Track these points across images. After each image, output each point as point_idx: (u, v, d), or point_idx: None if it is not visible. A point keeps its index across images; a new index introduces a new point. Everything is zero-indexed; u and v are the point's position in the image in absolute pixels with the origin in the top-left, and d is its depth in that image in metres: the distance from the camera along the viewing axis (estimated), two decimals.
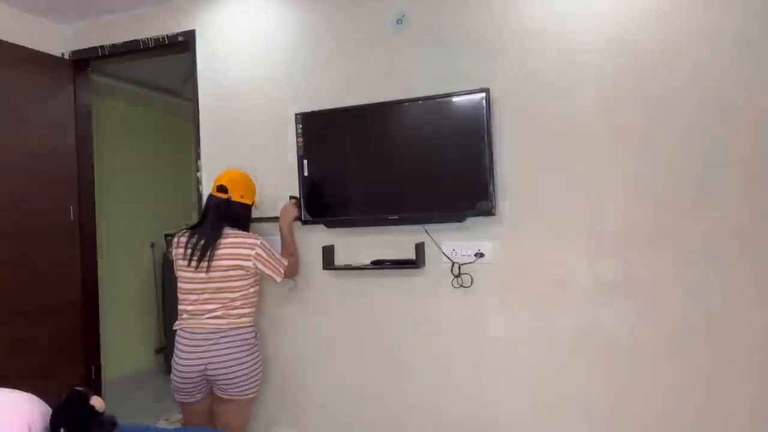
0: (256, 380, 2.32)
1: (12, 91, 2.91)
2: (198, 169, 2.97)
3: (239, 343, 2.26)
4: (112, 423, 1.81)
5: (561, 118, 2.28)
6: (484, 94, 2.28)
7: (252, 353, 2.30)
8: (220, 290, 2.26)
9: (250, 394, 2.31)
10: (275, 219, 2.70)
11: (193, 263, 2.25)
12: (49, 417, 1.73)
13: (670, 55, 2.14)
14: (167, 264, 4.59)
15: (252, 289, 2.34)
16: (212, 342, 2.23)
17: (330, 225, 2.63)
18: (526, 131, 2.33)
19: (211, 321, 2.25)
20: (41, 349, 2.93)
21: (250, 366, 2.28)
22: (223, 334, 2.24)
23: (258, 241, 2.31)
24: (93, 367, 3.27)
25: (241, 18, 2.86)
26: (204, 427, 2.37)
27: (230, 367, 2.23)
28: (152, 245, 4.81)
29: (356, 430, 2.65)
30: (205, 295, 2.26)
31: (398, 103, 2.44)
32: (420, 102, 2.41)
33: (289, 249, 2.55)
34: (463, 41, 2.42)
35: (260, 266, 2.30)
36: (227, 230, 2.31)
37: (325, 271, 2.65)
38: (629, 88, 2.19)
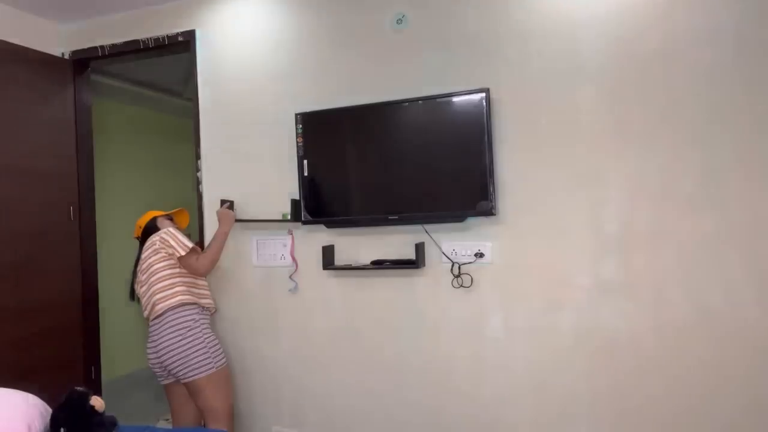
0: (198, 360, 2.36)
1: (12, 91, 2.91)
2: (198, 169, 2.97)
3: (164, 327, 2.37)
4: (112, 423, 1.82)
5: (561, 118, 2.28)
6: (484, 94, 2.29)
7: (185, 336, 2.36)
8: (142, 282, 2.51)
9: (198, 374, 2.36)
10: (276, 221, 2.70)
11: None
12: (49, 417, 1.73)
13: (670, 55, 2.14)
14: None
15: (165, 272, 2.44)
16: (154, 329, 2.42)
17: (330, 225, 2.63)
18: (526, 131, 2.33)
19: (149, 311, 2.45)
20: (41, 349, 2.93)
21: (185, 348, 2.35)
22: (152, 323, 2.44)
23: (159, 233, 2.51)
24: (93, 367, 3.27)
25: (241, 18, 2.86)
26: (203, 427, 2.37)
27: (163, 353, 2.37)
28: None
29: (356, 429, 2.65)
30: (139, 290, 2.54)
31: (398, 103, 2.44)
32: (420, 102, 2.41)
33: (212, 251, 2.55)
34: (463, 41, 2.42)
35: (162, 246, 2.45)
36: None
37: (325, 271, 2.65)
38: (629, 88, 2.19)
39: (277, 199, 2.71)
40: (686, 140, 2.12)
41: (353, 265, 2.60)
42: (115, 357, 4.19)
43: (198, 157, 2.97)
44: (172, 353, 2.36)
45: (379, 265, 2.52)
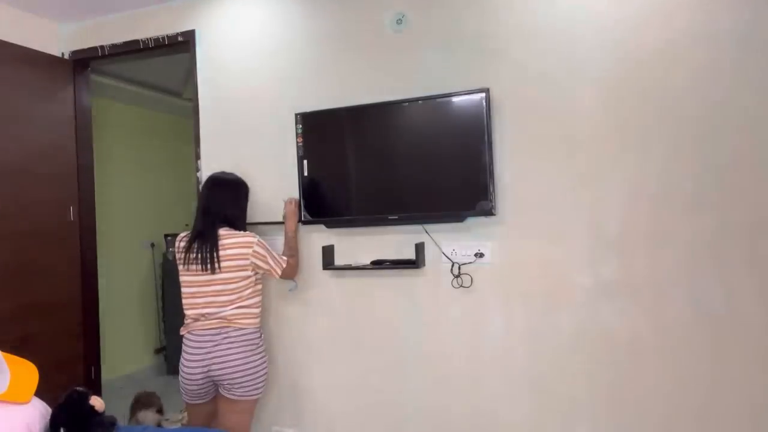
0: (260, 380, 2.31)
1: (12, 91, 2.91)
2: (198, 169, 2.97)
3: (242, 343, 2.26)
4: (112, 423, 1.81)
5: (561, 118, 2.28)
6: (484, 94, 2.28)
7: (256, 353, 2.30)
8: (220, 293, 2.27)
9: (255, 394, 2.31)
10: (275, 223, 2.70)
11: (193, 266, 2.27)
12: (48, 417, 1.73)
13: (670, 55, 2.14)
14: (167, 264, 4.60)
15: (251, 289, 2.34)
16: (215, 343, 2.25)
17: (330, 225, 2.63)
18: (526, 131, 2.33)
19: (213, 323, 2.27)
20: (41, 349, 2.92)
21: (255, 366, 2.28)
22: (225, 335, 2.25)
23: (255, 239, 2.33)
24: (93, 367, 3.27)
25: (241, 18, 2.86)
26: (204, 428, 2.37)
27: (234, 367, 2.23)
28: (152, 245, 4.81)
29: (356, 429, 2.65)
30: (208, 299, 2.27)
31: (398, 103, 2.44)
32: (420, 102, 2.41)
33: (292, 251, 2.56)
34: (463, 41, 2.42)
35: (259, 263, 2.32)
36: (223, 231, 2.31)
37: (325, 271, 2.65)
38: (629, 88, 2.19)
39: (278, 199, 2.70)
40: (686, 140, 2.12)
41: (353, 265, 2.59)
42: (115, 357, 4.19)
43: (198, 157, 2.97)
44: (244, 367, 2.25)
45: (379, 265, 2.52)
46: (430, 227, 2.47)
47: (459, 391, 2.46)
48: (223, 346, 2.25)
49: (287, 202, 2.61)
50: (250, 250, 2.29)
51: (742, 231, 2.06)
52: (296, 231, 2.61)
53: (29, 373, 1.79)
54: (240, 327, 2.28)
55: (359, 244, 2.61)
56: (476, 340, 2.43)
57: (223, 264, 2.25)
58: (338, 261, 2.64)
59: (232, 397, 2.27)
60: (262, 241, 2.36)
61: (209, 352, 2.25)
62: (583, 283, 2.26)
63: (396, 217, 2.44)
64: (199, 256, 2.25)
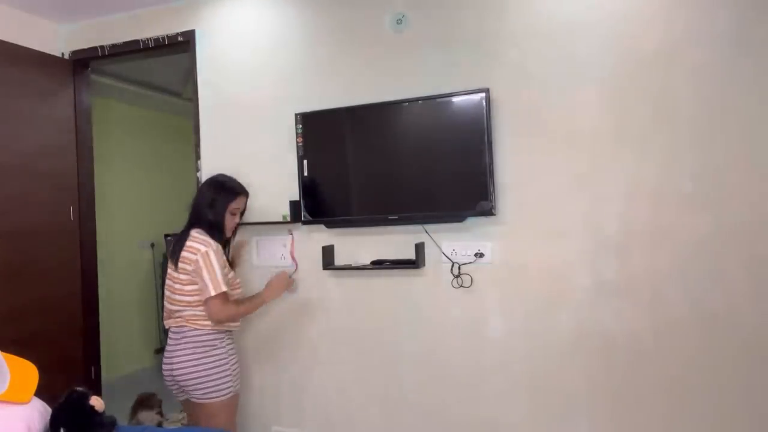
0: (214, 385, 2.16)
1: (12, 91, 2.91)
2: (198, 169, 2.97)
3: (195, 344, 2.17)
4: (112, 423, 1.81)
5: (561, 118, 2.28)
6: (484, 94, 2.29)
7: (209, 355, 2.17)
8: (177, 291, 2.21)
9: (210, 398, 2.16)
10: (274, 223, 2.69)
11: (170, 260, 2.26)
12: (48, 417, 1.73)
13: (670, 55, 2.14)
14: (167, 264, 4.59)
15: (195, 287, 2.18)
16: (174, 342, 2.22)
17: (330, 225, 2.63)
18: (526, 131, 2.33)
19: (173, 321, 2.24)
20: (41, 349, 2.90)
21: (207, 369, 2.15)
22: (183, 335, 2.19)
23: (203, 249, 2.14)
24: (93, 367, 3.27)
25: (241, 18, 2.86)
26: (204, 428, 2.37)
27: (185, 368, 2.16)
28: (152, 245, 4.81)
29: (356, 429, 2.65)
30: (172, 295, 2.24)
31: (398, 103, 2.44)
32: (420, 102, 2.41)
33: (249, 306, 2.28)
34: (463, 41, 2.42)
35: (195, 275, 2.15)
36: (194, 233, 2.21)
37: (325, 271, 2.65)
38: (629, 88, 2.19)
39: (277, 199, 2.70)
40: (685, 140, 2.12)
41: (353, 265, 2.59)
42: (115, 357, 4.19)
43: (198, 157, 2.97)
44: (196, 369, 2.15)
45: (379, 265, 2.52)
46: (430, 227, 2.47)
47: (459, 391, 2.46)
48: (180, 347, 2.19)
49: (280, 274, 2.43)
50: (193, 257, 2.15)
51: (741, 231, 2.06)
52: (267, 300, 2.35)
53: (29, 373, 1.79)
54: (195, 328, 2.18)
55: (359, 244, 2.61)
56: (476, 339, 2.43)
57: (179, 265, 2.18)
58: (338, 261, 2.64)
59: (193, 400, 2.21)
60: (212, 255, 2.14)
61: (170, 351, 2.23)
62: (582, 283, 2.26)
63: (396, 217, 2.44)
64: (170, 251, 2.26)
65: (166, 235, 4.68)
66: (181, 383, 2.19)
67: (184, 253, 2.17)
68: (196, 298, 2.18)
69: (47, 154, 3.07)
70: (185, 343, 2.18)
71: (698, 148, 2.10)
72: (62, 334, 3.08)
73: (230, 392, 2.21)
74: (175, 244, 2.23)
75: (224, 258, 2.27)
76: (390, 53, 2.55)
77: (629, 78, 2.19)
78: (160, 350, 4.80)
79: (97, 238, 3.38)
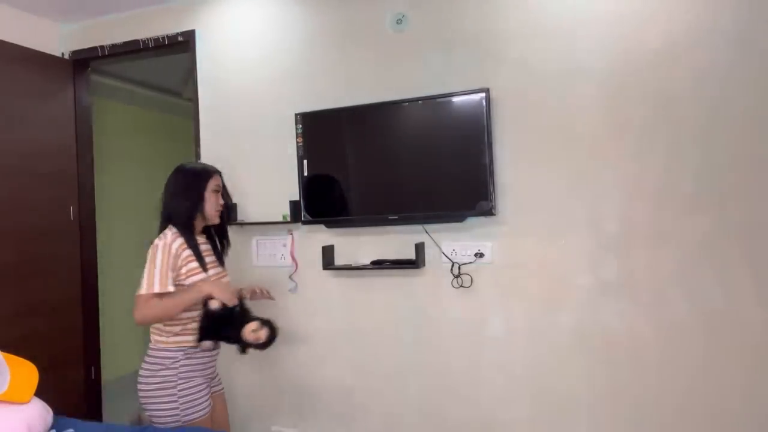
0: (159, 409, 1.93)
1: (12, 91, 2.91)
2: None
3: (149, 358, 2.00)
4: (241, 312, 1.99)
5: (561, 118, 2.28)
6: (484, 94, 2.28)
7: (158, 375, 1.94)
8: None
9: (160, 423, 1.94)
10: (274, 223, 2.69)
11: None
12: (48, 417, 1.73)
13: (670, 55, 2.14)
14: None
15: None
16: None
17: (330, 225, 2.63)
18: (526, 131, 2.33)
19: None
20: (41, 349, 2.91)
21: (152, 389, 1.95)
22: (150, 344, 2.04)
23: (159, 243, 1.93)
24: (93, 367, 3.27)
25: (241, 18, 2.86)
26: (204, 428, 2.36)
27: (139, 382, 2.00)
28: None
29: (356, 429, 2.65)
30: None
31: (398, 103, 2.44)
32: (420, 102, 2.41)
33: (175, 300, 1.92)
34: (463, 41, 2.42)
35: (145, 264, 1.93)
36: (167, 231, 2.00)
37: (325, 271, 2.64)
38: (629, 88, 2.19)
39: (277, 199, 2.70)
40: (686, 140, 2.12)
41: (353, 265, 2.59)
42: (115, 357, 4.19)
43: (198, 157, 2.97)
44: (141, 387, 1.98)
45: (379, 265, 2.52)
46: (430, 227, 2.47)
47: (459, 391, 2.46)
48: (144, 356, 2.02)
49: (246, 290, 2.28)
50: (152, 247, 1.92)
51: (742, 231, 2.06)
52: (190, 296, 1.95)
53: (29, 373, 1.79)
54: (151, 340, 2.02)
55: (359, 244, 2.61)
56: (476, 339, 2.43)
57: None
58: (338, 261, 2.64)
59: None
60: (157, 249, 1.91)
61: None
62: (582, 283, 2.26)
63: (396, 217, 2.44)
64: None
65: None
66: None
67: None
68: None
69: (47, 154, 3.07)
70: (146, 355, 2.02)
71: (699, 148, 2.10)
72: (62, 334, 3.08)
73: (175, 422, 1.93)
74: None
75: (192, 257, 1.98)
76: (390, 53, 2.55)
77: (630, 78, 2.19)
78: None
79: (97, 238, 3.38)
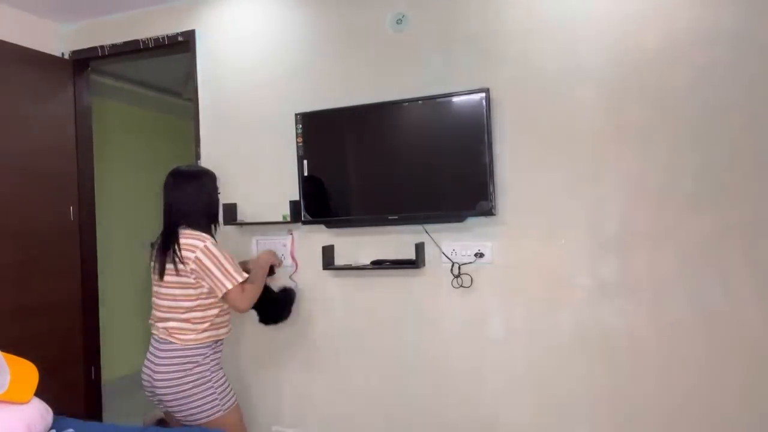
0: (199, 406, 1.99)
1: (12, 91, 2.91)
2: None
3: (177, 360, 1.99)
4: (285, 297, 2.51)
5: (561, 118, 2.28)
6: (484, 94, 2.28)
7: (193, 373, 1.99)
8: (164, 297, 2.05)
9: (194, 420, 2.00)
10: (274, 223, 2.69)
11: (154, 269, 2.08)
12: (48, 417, 1.73)
13: (670, 55, 2.14)
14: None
15: (194, 302, 2.01)
16: (156, 353, 2.04)
17: (330, 225, 2.63)
18: (526, 131, 2.33)
19: (159, 332, 2.06)
20: (41, 349, 2.91)
21: (190, 389, 1.98)
22: (163, 348, 2.02)
23: (202, 244, 1.98)
24: (93, 367, 3.26)
25: (241, 18, 2.86)
26: (205, 428, 2.37)
27: (164, 387, 1.99)
28: (152, 245, 4.80)
29: (356, 428, 2.65)
30: (159, 302, 2.07)
31: (398, 103, 2.44)
32: (420, 102, 2.41)
33: (255, 279, 2.20)
34: (463, 41, 2.42)
35: (200, 274, 1.98)
36: (183, 231, 2.05)
37: (325, 271, 2.64)
38: (629, 88, 2.19)
39: (277, 200, 2.70)
40: (686, 140, 2.12)
41: (353, 265, 2.59)
42: (115, 357, 4.19)
43: (198, 157, 2.97)
44: (176, 389, 1.99)
45: (379, 265, 2.52)
46: (430, 227, 2.47)
47: (459, 391, 2.46)
48: (162, 361, 2.00)
49: (268, 251, 2.50)
50: (193, 255, 1.97)
51: (742, 231, 2.06)
52: (265, 269, 2.32)
53: (29, 373, 1.79)
54: (174, 342, 2.00)
55: (359, 244, 2.61)
56: (476, 339, 2.43)
57: (169, 268, 2.01)
58: (338, 261, 2.64)
59: (176, 417, 2.06)
60: (212, 248, 1.99)
61: (149, 362, 2.06)
62: (583, 283, 2.26)
63: (396, 217, 2.44)
64: (153, 259, 2.07)
65: (153, 244, 4.66)
66: (165, 402, 2.03)
67: (184, 253, 1.99)
68: (184, 304, 2.01)
69: (47, 154, 3.07)
70: (167, 358, 2.00)
71: (700, 148, 2.10)
72: (62, 334, 3.08)
73: (217, 412, 2.02)
74: (163, 249, 2.04)
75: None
76: (390, 53, 2.55)
77: (630, 77, 2.19)
78: None
79: (97, 238, 3.38)
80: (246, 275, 2.09)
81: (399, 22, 2.53)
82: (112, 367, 4.01)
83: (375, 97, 2.50)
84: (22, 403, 1.70)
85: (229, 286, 1.99)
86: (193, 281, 2.01)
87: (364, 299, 2.62)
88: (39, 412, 1.74)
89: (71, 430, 1.83)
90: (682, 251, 2.13)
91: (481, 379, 2.42)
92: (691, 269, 2.12)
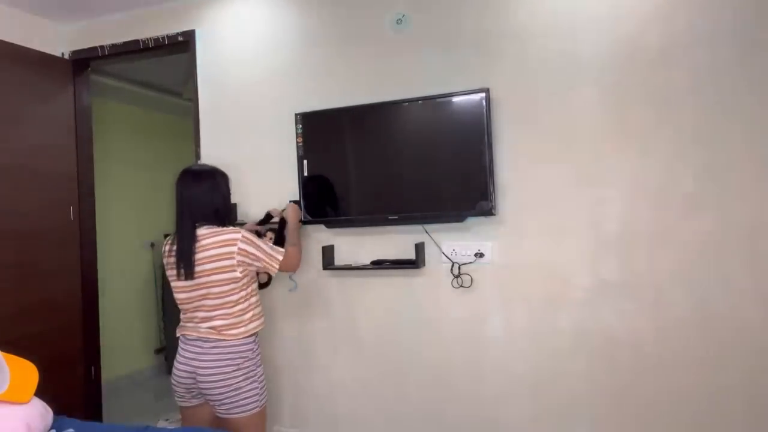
0: (244, 399, 2.04)
1: (12, 91, 2.91)
2: None
3: (227, 355, 2.03)
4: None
5: (561, 118, 2.28)
6: (484, 94, 2.28)
7: (242, 368, 2.04)
8: (205, 296, 2.05)
9: (241, 413, 2.04)
10: (276, 222, 2.69)
11: (179, 271, 2.07)
12: (48, 417, 1.73)
13: (670, 55, 2.14)
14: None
15: (240, 294, 2.06)
16: (201, 352, 2.05)
17: (330, 225, 2.63)
18: (526, 131, 2.33)
19: (201, 331, 2.06)
20: (41, 349, 2.91)
21: (239, 383, 2.03)
22: (212, 345, 2.04)
23: (238, 236, 2.04)
24: (93, 367, 3.27)
25: (241, 18, 2.86)
26: (205, 428, 2.37)
27: (214, 383, 2.02)
28: (152, 245, 4.80)
29: (357, 428, 2.65)
30: (194, 303, 2.08)
31: (398, 103, 2.44)
32: (420, 102, 2.41)
33: (293, 239, 2.36)
34: (463, 41, 2.42)
35: (248, 260, 2.05)
36: (203, 230, 2.06)
37: (325, 271, 2.65)
38: (629, 88, 2.19)
39: (277, 200, 2.70)
40: (686, 140, 2.12)
41: (353, 265, 2.59)
42: (115, 357, 4.19)
43: (198, 157, 2.97)
44: (226, 383, 2.01)
45: (379, 265, 2.52)
46: (430, 227, 2.47)
47: (459, 391, 2.46)
48: (206, 357, 2.03)
49: (289, 204, 2.55)
50: (234, 248, 2.01)
51: (742, 231, 2.06)
52: (298, 225, 2.48)
53: (29, 373, 1.79)
54: (224, 339, 2.04)
55: (359, 244, 2.61)
56: (476, 339, 2.43)
57: (202, 267, 2.01)
58: (338, 261, 2.64)
59: (219, 414, 2.08)
60: (247, 235, 2.07)
61: (195, 359, 2.06)
62: (583, 283, 2.26)
63: (396, 217, 2.44)
64: (178, 260, 2.06)
65: (166, 235, 4.64)
66: (208, 396, 2.05)
67: (211, 252, 2.00)
68: (231, 298, 2.04)
69: (47, 154, 3.07)
70: (219, 355, 2.02)
71: (700, 148, 2.10)
72: (62, 334, 3.08)
73: (257, 407, 2.08)
74: (187, 249, 2.03)
75: None
76: (390, 53, 2.55)
77: (631, 77, 2.19)
78: (160, 350, 4.80)
79: (97, 238, 3.38)
80: (281, 249, 2.19)
81: (399, 22, 2.53)
82: (112, 367, 4.02)
83: (375, 97, 2.50)
84: (22, 403, 1.69)
85: (280, 258, 2.15)
86: (239, 274, 2.04)
87: (364, 299, 2.62)
88: (39, 411, 1.73)
89: (71, 429, 1.83)
90: (682, 251, 2.13)
91: (481, 378, 2.42)
92: (692, 269, 2.12)
